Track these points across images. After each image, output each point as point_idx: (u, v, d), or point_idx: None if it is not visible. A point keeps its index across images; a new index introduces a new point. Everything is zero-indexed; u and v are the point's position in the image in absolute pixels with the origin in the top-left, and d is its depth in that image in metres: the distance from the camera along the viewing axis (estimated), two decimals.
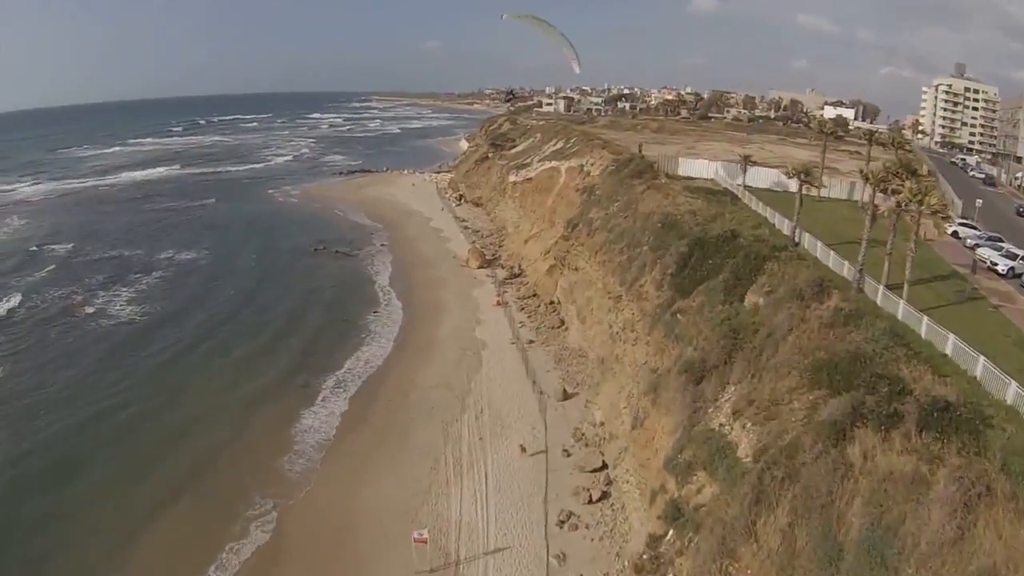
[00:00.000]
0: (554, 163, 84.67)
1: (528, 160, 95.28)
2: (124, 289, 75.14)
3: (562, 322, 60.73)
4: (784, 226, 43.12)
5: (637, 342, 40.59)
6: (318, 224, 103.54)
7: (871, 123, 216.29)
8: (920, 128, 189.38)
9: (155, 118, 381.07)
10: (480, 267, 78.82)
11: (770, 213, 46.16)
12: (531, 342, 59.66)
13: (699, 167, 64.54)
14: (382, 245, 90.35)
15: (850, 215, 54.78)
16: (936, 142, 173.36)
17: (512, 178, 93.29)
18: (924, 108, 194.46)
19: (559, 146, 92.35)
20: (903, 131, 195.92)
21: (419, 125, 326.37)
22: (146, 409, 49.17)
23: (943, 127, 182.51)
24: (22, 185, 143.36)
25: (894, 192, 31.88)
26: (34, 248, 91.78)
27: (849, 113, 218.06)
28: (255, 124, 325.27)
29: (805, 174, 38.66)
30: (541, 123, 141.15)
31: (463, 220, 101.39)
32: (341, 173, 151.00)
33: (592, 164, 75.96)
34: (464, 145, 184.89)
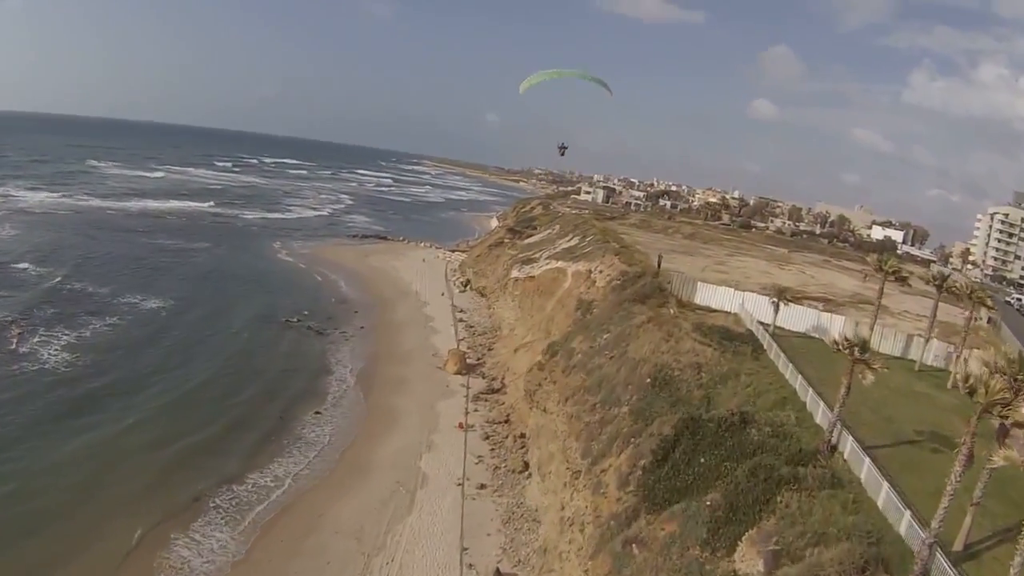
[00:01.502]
0: (561, 263, 73.10)
1: (536, 255, 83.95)
2: (67, 332, 64.49)
3: (526, 466, 47.91)
4: (818, 411, 30.30)
5: (580, 554, 27.81)
6: (305, 290, 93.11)
7: (920, 247, 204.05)
8: (971, 258, 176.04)
9: (209, 148, 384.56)
10: (457, 373, 66.71)
11: (802, 384, 33.35)
12: (482, 487, 46.97)
13: (721, 296, 52.04)
14: (361, 327, 78.90)
15: (906, 386, 41.70)
16: (987, 274, 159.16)
17: (515, 273, 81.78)
18: (977, 236, 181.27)
19: (572, 243, 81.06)
20: (950, 258, 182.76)
21: (462, 196, 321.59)
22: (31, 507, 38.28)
23: (995, 258, 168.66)
24: (34, 194, 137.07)
25: (1016, 425, 18.97)
26: (4, 264, 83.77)
27: (898, 235, 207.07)
28: (302, 172, 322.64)
29: (861, 350, 25.98)
30: (574, 212, 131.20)
31: (461, 310, 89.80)
32: (356, 236, 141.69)
33: (600, 272, 64.22)
34: (494, 223, 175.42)
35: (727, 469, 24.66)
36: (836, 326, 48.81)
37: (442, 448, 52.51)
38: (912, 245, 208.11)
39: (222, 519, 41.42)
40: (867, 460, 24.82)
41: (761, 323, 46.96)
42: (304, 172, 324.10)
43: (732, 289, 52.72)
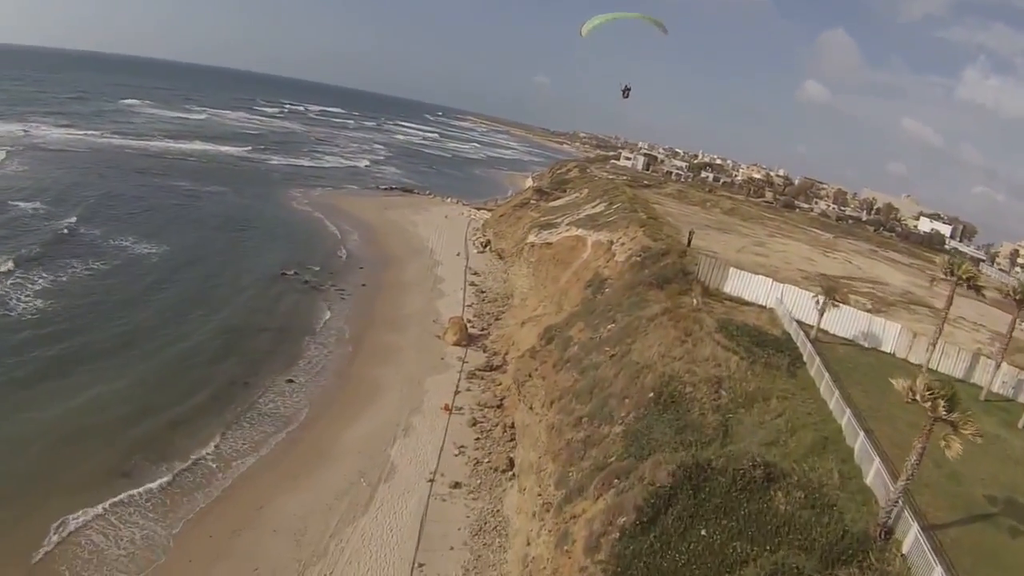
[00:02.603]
0: (581, 231, 64.43)
1: (558, 220, 75.17)
2: (46, 274, 58.67)
3: (511, 464, 40.18)
4: (871, 467, 21.74)
5: None
6: (311, 241, 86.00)
7: (967, 244, 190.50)
8: (1020, 260, 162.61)
9: (257, 93, 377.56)
10: (457, 344, 59.10)
11: (850, 421, 24.69)
12: (456, 486, 39.51)
13: (756, 286, 42.90)
14: (363, 285, 71.62)
15: None
16: None
17: (532, 238, 73.14)
18: None
19: (597, 210, 72.14)
20: (996, 258, 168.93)
21: (504, 155, 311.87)
22: None
23: None
24: (55, 131, 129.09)
25: None
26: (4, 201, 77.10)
27: (945, 229, 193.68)
28: (346, 121, 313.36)
29: (948, 405, 17.41)
30: (610, 177, 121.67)
31: (475, 272, 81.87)
32: (381, 188, 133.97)
33: (622, 244, 55.61)
34: (528, 183, 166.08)
35: (735, 554, 16.60)
36: (890, 335, 39.93)
37: (420, 433, 45.16)
38: (960, 241, 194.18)
39: (149, 503, 35.22)
40: (939, 569, 16.38)
41: (800, 323, 38.19)
42: (348, 122, 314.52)
43: (770, 279, 43.55)
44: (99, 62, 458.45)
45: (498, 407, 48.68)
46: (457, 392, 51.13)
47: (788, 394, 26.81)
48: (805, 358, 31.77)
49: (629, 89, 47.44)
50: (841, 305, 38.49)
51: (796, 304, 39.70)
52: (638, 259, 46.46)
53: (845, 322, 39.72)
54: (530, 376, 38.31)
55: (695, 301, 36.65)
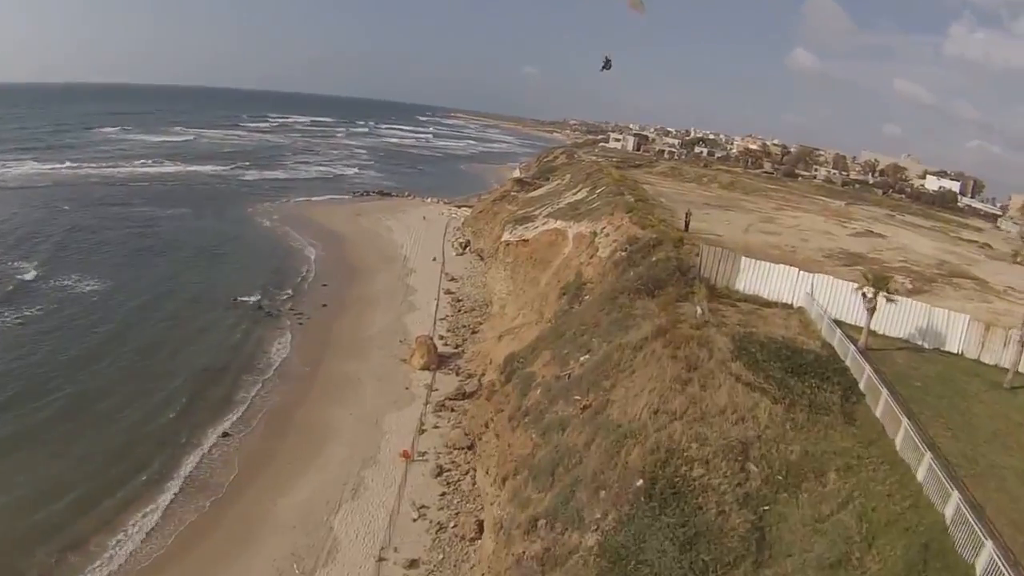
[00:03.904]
0: (560, 224, 54.64)
1: (535, 212, 65.22)
2: None
3: (480, 529, 30.56)
4: None
5: None
6: (272, 261, 76.00)
7: (978, 199, 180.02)
8: None
9: (247, 110, 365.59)
10: (425, 368, 49.53)
11: (960, 508, 14.89)
12: (412, 566, 30.05)
13: (777, 279, 32.74)
14: (323, 305, 62.18)
15: None
16: None
17: (506, 235, 63.21)
18: None
19: (579, 196, 62.28)
20: (1005, 211, 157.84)
21: (491, 148, 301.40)
22: None
23: None
24: (18, 166, 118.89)
25: None
26: None
27: (954, 186, 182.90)
28: (338, 130, 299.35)
29: None
30: (596, 160, 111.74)
31: (452, 279, 72.18)
32: (355, 193, 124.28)
33: (607, 235, 45.89)
34: (516, 174, 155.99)
35: None
36: (956, 330, 29.97)
37: (374, 492, 35.79)
38: (972, 197, 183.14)
39: None
40: None
41: (838, 323, 28.41)
42: (337, 130, 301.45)
43: (795, 269, 33.32)
44: (84, 93, 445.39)
45: (469, 448, 39.04)
46: (423, 430, 41.70)
47: (852, 458, 17.13)
48: (863, 386, 21.93)
49: (610, 60, 39.81)
50: (898, 299, 28.48)
51: (833, 299, 29.87)
52: (623, 254, 36.63)
53: (895, 317, 29.76)
54: (486, 427, 28.64)
55: (699, 311, 26.88)
